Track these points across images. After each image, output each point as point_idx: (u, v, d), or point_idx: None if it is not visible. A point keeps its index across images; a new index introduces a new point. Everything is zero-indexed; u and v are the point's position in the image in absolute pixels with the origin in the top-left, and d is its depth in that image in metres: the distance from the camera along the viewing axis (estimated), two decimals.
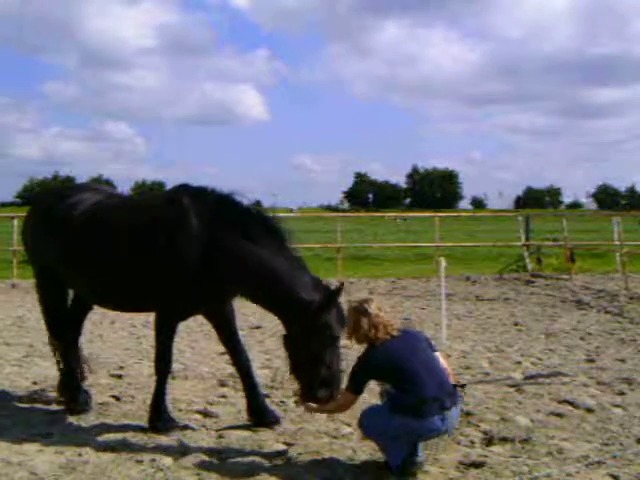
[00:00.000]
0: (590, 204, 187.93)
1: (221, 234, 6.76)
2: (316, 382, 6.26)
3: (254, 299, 6.81)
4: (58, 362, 8.36)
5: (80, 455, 6.43)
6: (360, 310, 6.03)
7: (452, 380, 6.05)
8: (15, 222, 22.04)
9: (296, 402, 6.96)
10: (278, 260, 6.58)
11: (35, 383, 9.03)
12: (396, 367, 5.77)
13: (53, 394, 8.38)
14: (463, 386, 6.15)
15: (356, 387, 5.93)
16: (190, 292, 6.90)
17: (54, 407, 8.05)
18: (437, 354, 6.12)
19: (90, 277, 7.53)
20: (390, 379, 5.85)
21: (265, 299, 6.68)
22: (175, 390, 8.35)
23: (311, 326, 6.25)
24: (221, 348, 10.59)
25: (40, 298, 8.40)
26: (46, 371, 9.06)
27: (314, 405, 6.25)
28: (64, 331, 8.22)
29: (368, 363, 5.91)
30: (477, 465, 6.10)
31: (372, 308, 6.01)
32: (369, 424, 5.90)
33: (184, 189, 7.28)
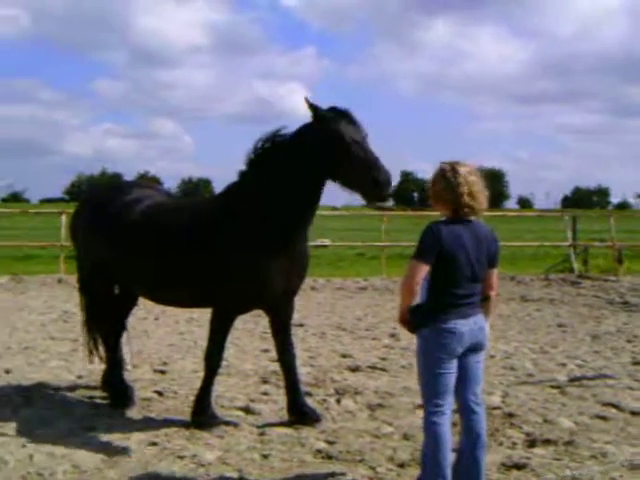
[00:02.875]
0: (639, 204, 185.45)
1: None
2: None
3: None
4: (92, 354, 8.48)
5: (123, 449, 6.49)
6: (462, 177, 5.35)
7: (490, 294, 5.54)
8: (63, 218, 22.30)
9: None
10: None
11: (80, 377, 9.14)
12: (446, 256, 5.18)
13: (97, 388, 8.47)
14: (487, 298, 5.51)
15: (420, 252, 5.21)
16: (249, 285, 6.93)
17: (98, 401, 8.14)
18: (494, 270, 5.53)
19: (150, 273, 7.58)
20: (442, 264, 5.21)
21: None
22: (218, 386, 8.38)
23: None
24: (264, 345, 10.68)
25: (83, 290, 8.48)
26: (91, 366, 9.16)
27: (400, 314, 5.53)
28: (110, 326, 8.31)
29: (437, 231, 5.22)
30: (519, 467, 6.04)
31: (474, 177, 5.44)
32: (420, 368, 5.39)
33: (234, 185, 7.36)
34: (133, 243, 7.59)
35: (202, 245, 7.05)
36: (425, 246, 5.22)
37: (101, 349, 8.43)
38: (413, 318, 5.37)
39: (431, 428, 5.21)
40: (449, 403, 5.29)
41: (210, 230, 7.05)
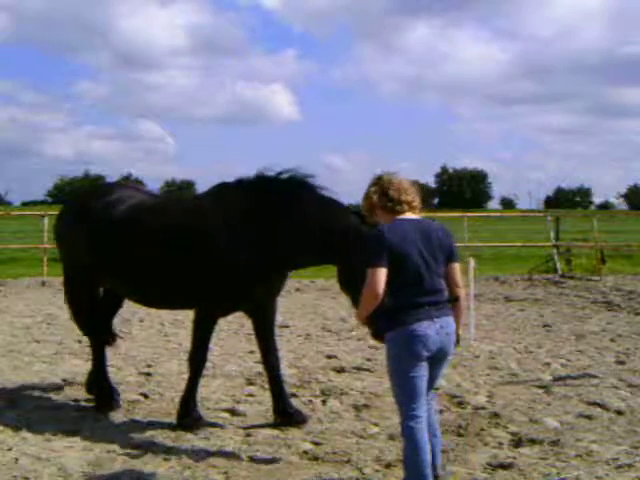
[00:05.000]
0: (621, 205, 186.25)
1: (269, 216, 6.84)
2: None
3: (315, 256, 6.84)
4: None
5: (108, 452, 6.47)
6: (384, 178, 5.54)
7: (458, 293, 5.55)
8: (46, 220, 22.22)
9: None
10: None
11: (65, 380, 9.10)
12: (396, 254, 5.20)
13: (82, 391, 8.44)
14: (456, 299, 5.53)
15: (372, 258, 5.24)
16: (236, 288, 6.95)
17: (83, 404, 8.11)
18: (454, 264, 5.54)
19: (132, 275, 7.58)
20: (394, 263, 5.23)
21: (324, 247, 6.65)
22: (203, 388, 8.37)
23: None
24: (248, 346, 10.67)
25: (69, 296, 8.46)
26: (76, 368, 9.13)
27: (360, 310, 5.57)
28: (94, 328, 8.28)
29: (381, 233, 5.28)
30: (505, 466, 6.06)
31: (398, 178, 5.56)
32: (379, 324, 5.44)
33: (224, 187, 7.38)
34: (115, 244, 7.58)
35: (186, 247, 7.05)
36: (373, 251, 5.25)
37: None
38: (376, 322, 5.40)
39: (408, 433, 5.25)
40: (422, 405, 5.31)
41: (194, 232, 7.05)
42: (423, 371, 5.29)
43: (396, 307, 5.26)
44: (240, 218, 6.92)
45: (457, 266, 5.56)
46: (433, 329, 5.22)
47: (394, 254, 5.20)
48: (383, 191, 5.45)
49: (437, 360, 5.40)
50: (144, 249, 7.37)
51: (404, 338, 5.22)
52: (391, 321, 5.28)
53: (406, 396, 5.28)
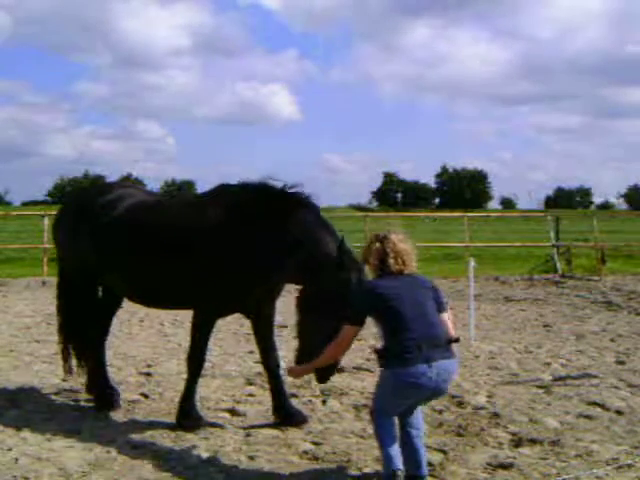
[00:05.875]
0: (621, 205, 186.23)
1: (263, 226, 6.82)
2: (320, 342, 6.05)
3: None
4: (66, 361, 8.45)
5: (108, 452, 6.47)
6: (377, 236, 5.88)
7: (451, 335, 5.73)
8: (46, 220, 22.24)
9: (290, 370, 6.43)
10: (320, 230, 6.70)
11: (65, 380, 9.09)
12: (389, 307, 5.53)
13: (82, 391, 8.43)
14: (457, 340, 5.79)
15: (356, 317, 5.67)
16: (234, 289, 6.95)
17: (83, 404, 8.11)
18: (444, 314, 5.78)
19: (131, 274, 7.58)
20: (381, 318, 5.63)
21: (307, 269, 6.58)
22: (203, 388, 8.37)
23: (332, 282, 6.20)
24: (248, 346, 10.67)
25: (61, 295, 8.44)
26: (76, 368, 9.10)
27: (307, 365, 6.15)
28: (93, 328, 8.27)
29: (366, 292, 5.75)
30: (505, 466, 6.05)
31: (390, 237, 5.81)
32: (374, 405, 5.73)
33: (226, 188, 7.37)
34: (114, 243, 7.59)
35: (184, 247, 7.05)
36: (357, 309, 5.68)
37: (74, 358, 8.41)
38: (378, 358, 5.71)
39: (378, 432, 5.62)
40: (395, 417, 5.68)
41: (193, 232, 7.05)
42: (407, 404, 5.63)
43: (394, 352, 5.49)
44: (240, 221, 6.91)
45: (446, 316, 5.84)
46: (429, 376, 5.42)
47: (384, 303, 5.55)
48: (380, 257, 5.77)
49: (428, 398, 5.74)
50: (143, 248, 7.37)
51: (398, 382, 5.47)
52: (388, 360, 5.53)
53: (382, 410, 5.62)
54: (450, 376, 5.63)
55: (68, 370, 8.58)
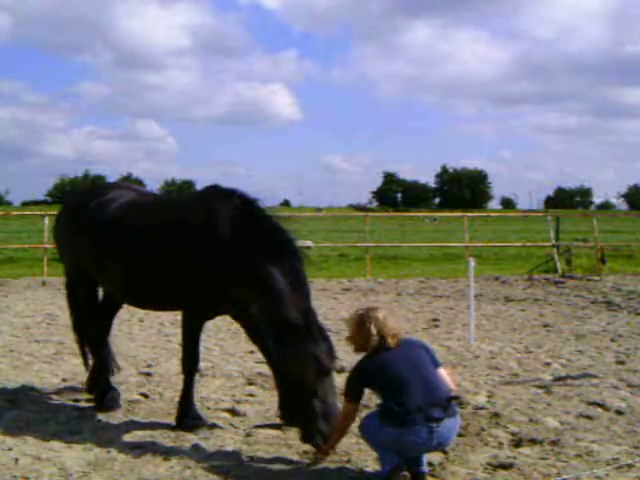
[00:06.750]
0: (621, 205, 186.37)
1: (245, 240, 6.79)
2: (313, 418, 6.15)
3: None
4: (85, 360, 8.47)
5: (108, 452, 6.47)
6: (364, 317, 5.96)
7: (452, 392, 5.83)
8: (46, 220, 22.25)
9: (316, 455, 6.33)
10: (285, 281, 6.57)
11: (65, 380, 9.10)
12: (385, 378, 5.71)
13: (82, 391, 8.44)
14: (456, 398, 6.00)
15: (352, 395, 5.88)
16: (214, 292, 6.95)
17: (83, 404, 8.10)
18: (440, 369, 5.92)
19: (120, 275, 7.59)
20: (379, 389, 5.83)
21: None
22: (203, 388, 8.38)
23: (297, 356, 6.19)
24: (248, 347, 10.65)
25: (69, 296, 8.49)
26: (76, 368, 9.11)
27: (326, 445, 6.17)
28: (94, 328, 8.28)
29: (360, 372, 5.89)
30: (505, 466, 6.05)
31: (378, 316, 5.93)
32: (365, 428, 5.83)
33: (213, 190, 7.34)
34: (103, 243, 7.65)
35: (166, 247, 7.08)
36: (352, 386, 5.88)
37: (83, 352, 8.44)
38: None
39: (363, 429, 5.85)
40: None
41: (175, 233, 7.09)
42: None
43: (393, 411, 5.58)
44: (221, 225, 6.88)
45: (443, 371, 5.97)
46: (430, 438, 5.54)
47: (381, 378, 5.74)
48: (368, 337, 5.89)
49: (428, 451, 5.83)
50: (131, 249, 7.41)
51: (396, 439, 5.57)
52: (390, 419, 5.60)
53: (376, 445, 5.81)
54: (452, 433, 5.76)
55: (88, 367, 8.60)
